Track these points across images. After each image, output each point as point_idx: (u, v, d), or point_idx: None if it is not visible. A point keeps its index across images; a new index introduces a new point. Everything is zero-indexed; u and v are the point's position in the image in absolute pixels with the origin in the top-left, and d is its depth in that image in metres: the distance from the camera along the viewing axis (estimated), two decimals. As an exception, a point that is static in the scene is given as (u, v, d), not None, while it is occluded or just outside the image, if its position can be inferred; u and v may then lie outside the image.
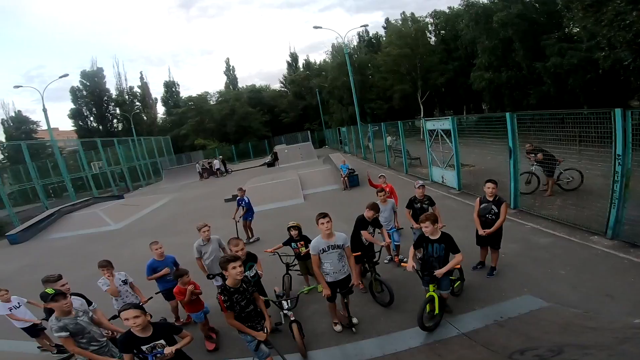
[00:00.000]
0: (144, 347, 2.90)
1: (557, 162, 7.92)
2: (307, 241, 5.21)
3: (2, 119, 37.96)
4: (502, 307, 4.23)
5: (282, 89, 48.69)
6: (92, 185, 23.78)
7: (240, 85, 49.18)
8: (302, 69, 47.12)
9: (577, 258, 5.11)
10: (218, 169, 26.75)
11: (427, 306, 3.99)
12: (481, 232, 4.83)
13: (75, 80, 38.52)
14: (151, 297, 4.66)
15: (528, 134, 7.94)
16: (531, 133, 7.78)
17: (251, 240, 8.64)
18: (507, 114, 7.23)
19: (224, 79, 49.45)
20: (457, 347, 3.71)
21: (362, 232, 4.83)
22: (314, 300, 5.16)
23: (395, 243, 5.94)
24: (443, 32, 31.55)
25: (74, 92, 38.57)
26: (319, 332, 4.44)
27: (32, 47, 75.97)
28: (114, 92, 41.03)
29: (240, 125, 41.40)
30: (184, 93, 47.98)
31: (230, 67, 49.05)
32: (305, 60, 48.21)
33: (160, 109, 46.36)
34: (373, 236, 4.95)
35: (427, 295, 4.03)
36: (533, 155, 8.23)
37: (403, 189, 7.33)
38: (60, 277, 4.03)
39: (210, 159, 30.00)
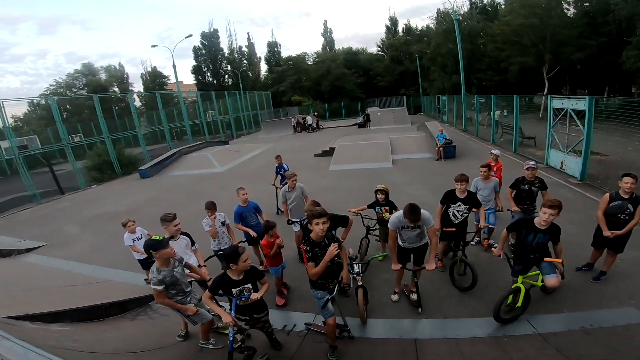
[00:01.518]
0: (233, 290, 3.18)
1: None
2: (392, 207, 5.14)
3: (142, 73, 45.30)
4: (595, 315, 3.71)
5: (379, 52, 47.24)
6: (206, 131, 27.29)
7: (336, 47, 49.30)
8: (401, 34, 44.81)
9: None
10: (310, 125, 28.03)
11: (510, 297, 3.67)
12: (607, 233, 4.04)
13: (196, 41, 43.56)
14: (241, 242, 5.01)
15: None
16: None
17: None
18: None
19: (322, 40, 50.29)
20: (526, 346, 3.41)
21: (438, 206, 4.64)
22: (387, 269, 5.05)
23: (490, 225, 5.38)
24: (587, 4, 25.36)
25: (195, 51, 43.79)
26: (384, 302, 4.44)
27: (163, 11, 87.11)
28: (226, 51, 45.45)
29: (335, 86, 42.08)
30: (284, 53, 49.96)
31: (328, 29, 49.57)
32: (405, 24, 45.34)
33: (264, 67, 49.50)
34: (465, 215, 4.56)
35: (512, 286, 3.67)
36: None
37: (507, 169, 6.47)
38: (174, 217, 4.22)
39: (304, 114, 31.47)
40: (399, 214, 3.82)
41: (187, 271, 3.74)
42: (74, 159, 15.61)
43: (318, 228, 3.14)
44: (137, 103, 40.35)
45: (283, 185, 8.36)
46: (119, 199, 12.19)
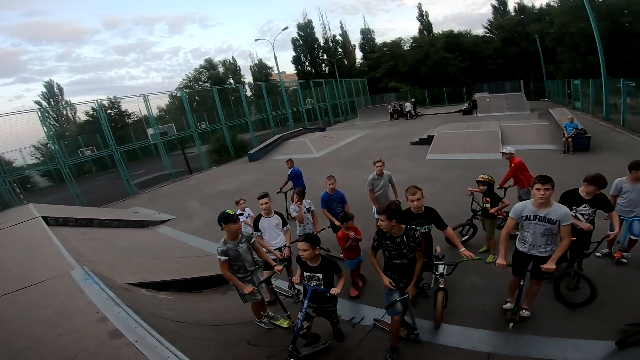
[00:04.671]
0: (305, 273, 3.28)
1: None
2: (496, 200, 4.79)
3: (250, 66, 49.74)
4: None
5: (487, 34, 42.32)
6: (305, 118, 28.92)
7: (435, 30, 45.75)
8: (512, 13, 39.34)
9: None
10: (408, 112, 27.09)
11: None
12: None
13: (294, 32, 45.86)
14: (324, 229, 5.17)
15: None
16: None
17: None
18: None
19: (417, 24, 47.14)
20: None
21: (575, 221, 3.59)
22: (478, 273, 4.63)
23: (634, 237, 4.34)
24: None
25: (293, 42, 46.11)
26: (465, 309, 4.02)
27: (263, 5, 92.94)
28: (321, 41, 46.59)
29: (435, 71, 39.37)
30: (378, 39, 49.28)
31: (423, 13, 46.07)
32: (517, 3, 39.26)
33: (358, 54, 49.32)
34: (591, 218, 3.84)
35: None
36: None
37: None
38: (263, 196, 4.44)
39: (402, 101, 30.47)
40: (527, 201, 3.36)
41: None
42: (200, 143, 18.39)
43: (382, 224, 3.19)
44: (248, 93, 44.80)
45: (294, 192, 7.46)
46: (231, 180, 13.88)
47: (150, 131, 16.57)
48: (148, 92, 16.36)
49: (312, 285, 3.25)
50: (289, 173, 7.94)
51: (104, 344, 2.69)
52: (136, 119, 32.64)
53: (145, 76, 73.81)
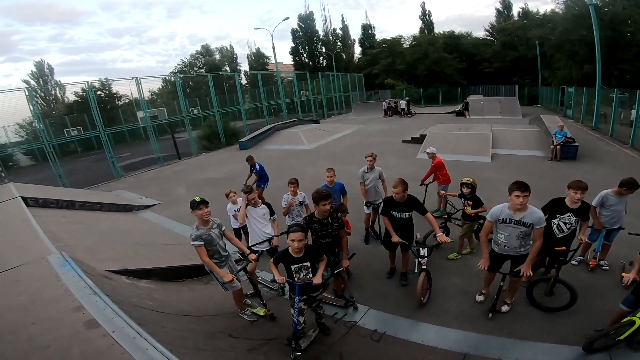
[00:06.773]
0: (292, 266, 3.24)
1: None
2: (477, 204, 4.84)
3: (247, 54, 49.21)
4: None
5: (487, 37, 42.48)
6: (299, 109, 28.63)
7: (436, 30, 45.72)
8: (516, 18, 39.52)
9: None
10: (403, 109, 27.03)
11: (615, 330, 3.06)
12: None
13: (294, 23, 45.25)
14: None
15: None
16: None
17: None
18: None
19: (419, 23, 47.21)
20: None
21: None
22: (457, 272, 4.71)
23: (607, 242, 4.46)
24: None
25: (293, 32, 45.57)
26: (444, 309, 4.07)
27: None
28: (321, 33, 46.27)
29: (432, 70, 39.40)
30: (378, 35, 48.94)
31: (426, 12, 45.97)
32: (522, 8, 39.55)
33: (357, 49, 49.16)
34: (573, 228, 3.85)
35: (625, 319, 3.04)
36: None
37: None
38: (251, 191, 4.52)
39: (397, 98, 30.46)
40: (503, 205, 3.49)
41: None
42: (191, 128, 18.12)
43: (323, 208, 3.65)
44: (243, 81, 44.12)
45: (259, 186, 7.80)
46: (220, 167, 13.71)
47: (140, 114, 16.21)
48: (141, 75, 15.97)
49: (301, 276, 3.28)
50: (257, 169, 7.93)
51: (78, 334, 2.59)
52: (126, 101, 31.99)
53: (138, 59, 72.35)
